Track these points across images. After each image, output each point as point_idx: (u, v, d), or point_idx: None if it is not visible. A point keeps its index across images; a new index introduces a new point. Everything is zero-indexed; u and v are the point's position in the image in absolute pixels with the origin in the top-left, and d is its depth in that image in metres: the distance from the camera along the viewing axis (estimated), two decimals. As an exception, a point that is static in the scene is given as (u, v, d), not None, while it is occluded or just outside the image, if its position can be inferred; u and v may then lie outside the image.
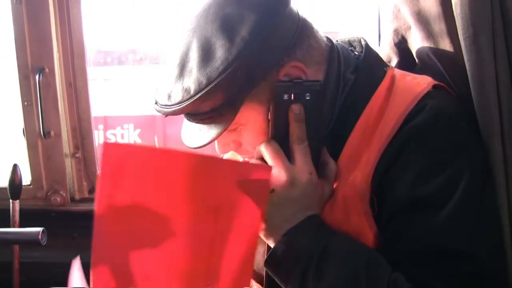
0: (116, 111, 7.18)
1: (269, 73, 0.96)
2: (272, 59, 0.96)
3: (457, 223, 0.91)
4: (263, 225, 0.96)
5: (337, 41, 1.12)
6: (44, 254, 2.01)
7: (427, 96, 1.00)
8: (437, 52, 1.13)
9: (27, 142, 2.05)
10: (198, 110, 0.98)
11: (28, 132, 2.03)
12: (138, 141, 6.99)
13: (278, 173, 0.95)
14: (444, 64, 1.11)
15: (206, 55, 0.95)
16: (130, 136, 7.05)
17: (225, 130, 0.99)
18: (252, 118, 1.00)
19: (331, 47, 1.06)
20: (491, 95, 0.98)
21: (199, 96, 0.94)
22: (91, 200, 2.12)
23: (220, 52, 0.94)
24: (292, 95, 0.96)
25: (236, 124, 1.01)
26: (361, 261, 0.92)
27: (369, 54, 1.08)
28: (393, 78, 1.03)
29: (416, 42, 1.19)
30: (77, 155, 2.09)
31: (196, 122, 1.01)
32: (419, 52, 1.19)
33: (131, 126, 7.05)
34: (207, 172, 0.89)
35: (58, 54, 1.96)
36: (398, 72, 1.07)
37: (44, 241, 1.58)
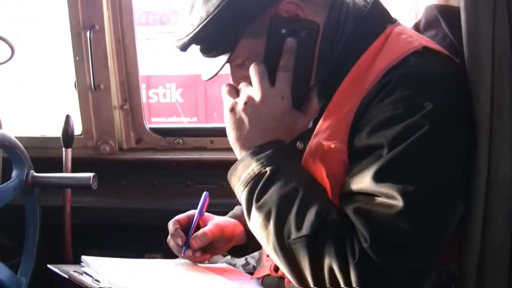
0: (158, 71, 7.16)
1: (265, 9, 1.06)
2: None
3: (397, 165, 0.92)
4: (233, 135, 1.06)
5: None
6: (94, 200, 2.14)
7: (414, 54, 1.02)
8: (444, 11, 1.14)
9: (78, 95, 2.15)
10: (203, 43, 1.10)
11: (80, 85, 2.13)
12: (180, 100, 7.00)
13: (256, 91, 1.04)
14: (449, 24, 1.12)
15: None
16: (172, 95, 7.06)
17: (227, 62, 1.10)
18: (253, 51, 1.09)
19: None
20: (484, 55, 0.99)
21: (200, 29, 1.06)
22: (138, 150, 2.22)
23: None
24: (290, 30, 1.05)
25: (240, 58, 1.11)
26: (304, 186, 0.98)
27: (374, 8, 1.12)
28: (388, 35, 1.08)
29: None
30: (125, 107, 2.17)
31: (206, 56, 1.13)
32: (427, 10, 1.20)
33: (173, 85, 6.99)
34: None
35: (107, 12, 2.04)
36: (398, 30, 1.09)
37: (95, 186, 1.69)
